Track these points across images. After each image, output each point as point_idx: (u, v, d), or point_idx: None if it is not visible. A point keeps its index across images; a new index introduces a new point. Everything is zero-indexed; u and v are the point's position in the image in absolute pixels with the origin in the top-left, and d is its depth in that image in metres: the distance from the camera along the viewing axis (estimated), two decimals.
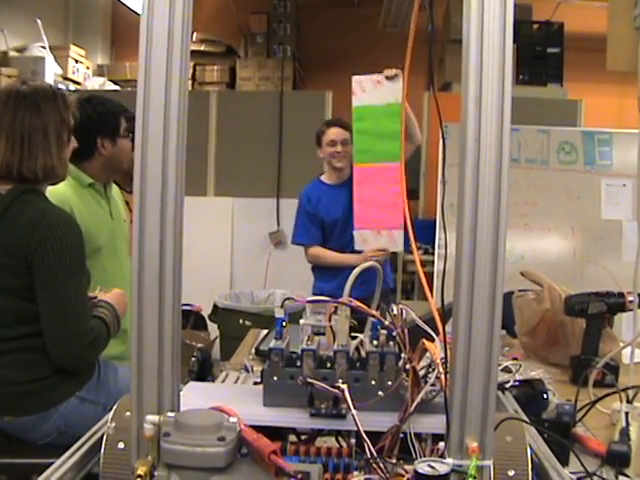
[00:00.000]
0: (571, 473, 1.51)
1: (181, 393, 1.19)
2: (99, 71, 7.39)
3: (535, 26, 7.03)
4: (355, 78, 3.92)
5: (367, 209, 3.90)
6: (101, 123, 2.67)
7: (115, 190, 3.06)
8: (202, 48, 7.27)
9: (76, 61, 6.74)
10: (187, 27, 1.10)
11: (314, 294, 4.00)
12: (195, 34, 7.23)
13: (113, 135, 2.81)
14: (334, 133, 4.08)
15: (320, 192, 4.18)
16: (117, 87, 7.06)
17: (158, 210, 1.09)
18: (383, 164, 3.78)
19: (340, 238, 4.09)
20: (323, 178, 4.25)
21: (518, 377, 2.17)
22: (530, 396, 1.99)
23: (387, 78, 3.79)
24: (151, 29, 1.09)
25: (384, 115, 3.77)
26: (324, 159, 4.19)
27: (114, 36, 8.22)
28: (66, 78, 6.47)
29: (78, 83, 6.68)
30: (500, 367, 2.25)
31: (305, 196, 4.23)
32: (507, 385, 2.01)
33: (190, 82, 7.15)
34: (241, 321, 4.87)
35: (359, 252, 3.94)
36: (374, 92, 3.85)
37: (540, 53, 6.83)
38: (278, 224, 6.21)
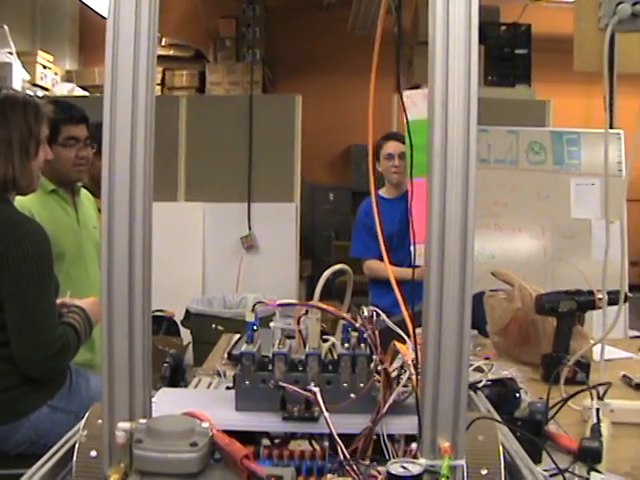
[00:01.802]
0: (544, 470, 1.53)
1: (153, 399, 1.18)
2: (67, 77, 7.33)
3: (503, 28, 7.08)
4: (406, 93, 3.89)
5: (424, 223, 3.84)
6: None
7: (87, 196, 3.03)
8: (171, 53, 7.25)
9: (44, 67, 6.67)
10: (153, 29, 1.09)
11: None
12: (164, 39, 7.20)
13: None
14: (391, 147, 4.07)
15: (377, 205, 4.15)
16: (86, 93, 7.00)
17: (126, 216, 1.08)
18: None
19: (397, 252, 3.99)
20: (381, 192, 4.24)
21: (490, 376, 2.18)
22: (502, 395, 2.00)
23: None
24: (117, 32, 1.07)
25: None
26: (382, 173, 4.18)
27: (82, 41, 8.15)
28: (34, 84, 6.40)
29: (46, 89, 6.62)
30: (472, 367, 2.26)
31: (362, 209, 4.25)
32: (479, 385, 2.02)
33: (159, 87, 7.12)
34: (214, 326, 4.85)
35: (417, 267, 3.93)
36: (425, 105, 3.79)
37: (508, 54, 6.88)
38: (249, 228, 6.19)
